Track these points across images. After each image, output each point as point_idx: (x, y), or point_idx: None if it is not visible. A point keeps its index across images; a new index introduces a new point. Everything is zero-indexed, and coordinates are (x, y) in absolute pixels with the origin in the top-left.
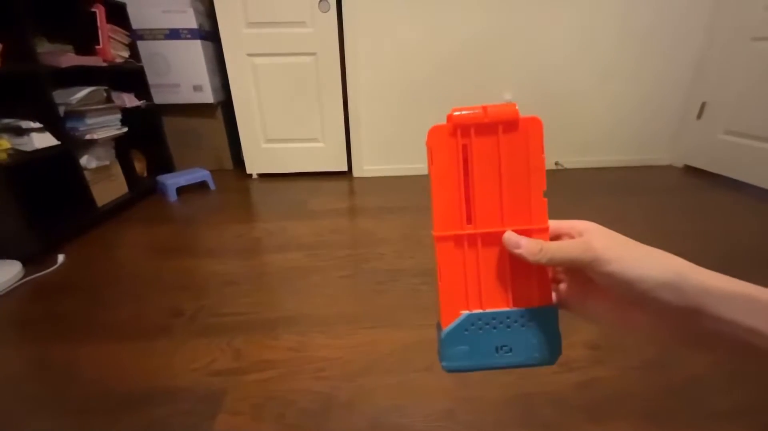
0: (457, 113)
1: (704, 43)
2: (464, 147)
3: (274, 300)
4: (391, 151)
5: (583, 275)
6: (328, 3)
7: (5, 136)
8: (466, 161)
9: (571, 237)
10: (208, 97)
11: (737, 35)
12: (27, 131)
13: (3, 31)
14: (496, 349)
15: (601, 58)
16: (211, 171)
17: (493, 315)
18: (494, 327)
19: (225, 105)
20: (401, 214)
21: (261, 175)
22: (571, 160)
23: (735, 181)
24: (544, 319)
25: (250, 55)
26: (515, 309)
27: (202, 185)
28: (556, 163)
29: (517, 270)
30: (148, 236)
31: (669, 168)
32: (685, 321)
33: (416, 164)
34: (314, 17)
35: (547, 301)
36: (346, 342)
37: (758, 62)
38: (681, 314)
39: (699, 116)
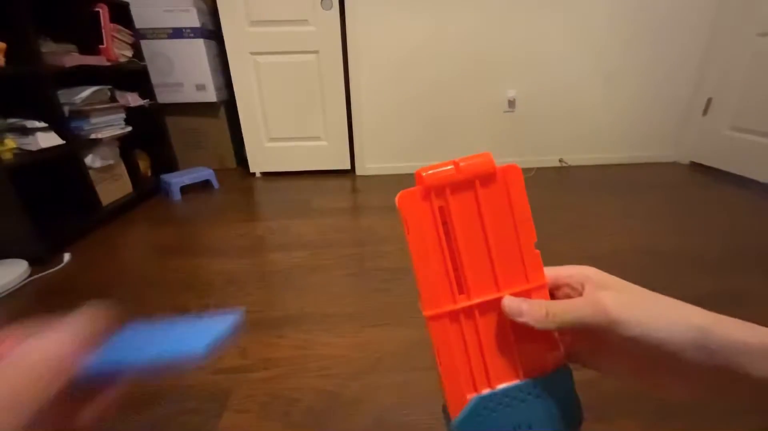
0: (426, 173)
1: (709, 38)
2: (441, 209)
3: (278, 299)
4: (394, 148)
5: (592, 331)
6: (331, 1)
7: (10, 135)
8: (445, 224)
9: (572, 288)
10: (211, 96)
11: (743, 30)
12: (32, 131)
13: (7, 32)
14: (515, 429)
15: (605, 54)
16: (214, 170)
17: (505, 393)
18: (508, 406)
19: (228, 104)
20: None
21: (264, 174)
22: (575, 158)
23: (741, 177)
24: (560, 384)
25: (252, 53)
26: (527, 380)
27: (205, 184)
28: (560, 160)
29: (522, 337)
30: (152, 235)
31: (674, 165)
32: (716, 379)
33: (419, 162)
34: (316, 15)
35: (559, 364)
36: (350, 340)
37: (764, 57)
38: (710, 373)
39: (705, 112)
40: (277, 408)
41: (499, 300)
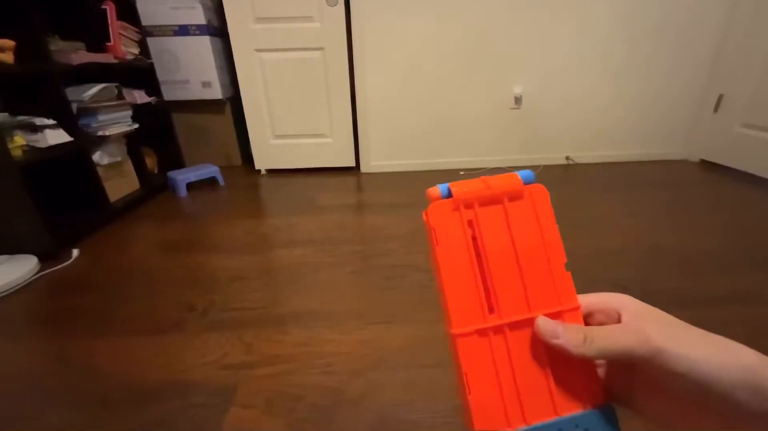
0: (456, 189)
1: (721, 32)
2: (470, 223)
3: (283, 296)
4: (399, 146)
5: (632, 363)
6: None
7: (19, 132)
8: (474, 239)
9: (606, 315)
10: (216, 93)
11: (755, 25)
12: (41, 128)
13: (16, 30)
14: None
15: (614, 49)
16: (220, 167)
17: None
18: None
19: (233, 101)
20: (409, 210)
21: (269, 171)
22: (583, 155)
23: (753, 175)
24: (602, 423)
25: (258, 50)
26: (565, 416)
27: (211, 181)
28: (567, 158)
29: (557, 364)
30: (159, 231)
31: (684, 162)
32: (765, 424)
33: (425, 159)
34: (322, 12)
35: (599, 399)
36: (354, 337)
37: None
38: (759, 418)
39: (716, 109)
40: (283, 404)
41: (530, 321)
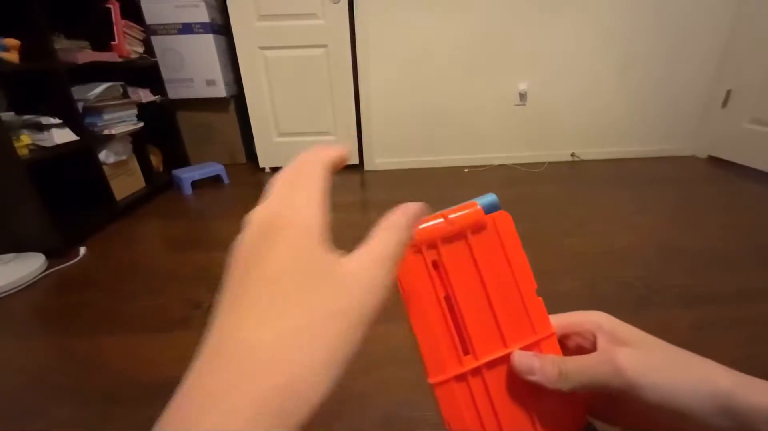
0: (416, 229)
1: (730, 27)
2: (434, 264)
3: None
4: (404, 143)
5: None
6: None
7: (26, 131)
8: (441, 279)
9: (582, 337)
10: (220, 91)
11: (763, 19)
12: (47, 127)
13: (21, 29)
14: None
15: (620, 45)
16: (224, 165)
17: None
18: None
19: (238, 99)
20: None
21: (273, 169)
22: (589, 151)
23: (761, 172)
24: None
25: (261, 48)
26: None
27: (216, 179)
28: (572, 155)
29: (538, 395)
30: (165, 229)
31: (692, 158)
32: None
33: (429, 157)
34: (325, 9)
35: (581, 421)
36: None
37: None
38: None
39: (724, 104)
40: None
41: (507, 356)
